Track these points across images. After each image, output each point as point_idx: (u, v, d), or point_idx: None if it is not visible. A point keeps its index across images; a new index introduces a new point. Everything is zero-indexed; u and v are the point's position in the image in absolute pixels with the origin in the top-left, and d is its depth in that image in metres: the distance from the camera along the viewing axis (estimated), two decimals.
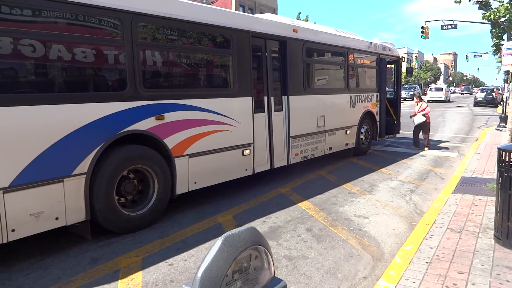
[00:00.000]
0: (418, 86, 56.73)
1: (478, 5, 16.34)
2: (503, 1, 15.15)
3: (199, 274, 0.82)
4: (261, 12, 31.31)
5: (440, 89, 42.70)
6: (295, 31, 7.48)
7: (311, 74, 8.33)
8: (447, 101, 41.93)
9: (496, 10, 15.42)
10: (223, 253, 0.84)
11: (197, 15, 5.64)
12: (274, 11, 37.12)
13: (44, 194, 4.04)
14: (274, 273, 1.01)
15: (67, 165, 4.22)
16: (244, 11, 32.23)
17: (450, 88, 56.35)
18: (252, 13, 28.92)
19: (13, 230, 3.82)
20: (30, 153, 3.93)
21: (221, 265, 0.82)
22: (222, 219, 5.40)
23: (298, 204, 6.02)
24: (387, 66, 11.33)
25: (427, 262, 3.79)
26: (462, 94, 70.34)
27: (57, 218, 4.17)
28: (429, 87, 47.74)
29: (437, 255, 3.94)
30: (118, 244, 4.55)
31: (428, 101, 40.08)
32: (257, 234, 0.97)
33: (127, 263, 4.07)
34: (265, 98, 6.89)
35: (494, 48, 18.84)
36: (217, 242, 0.88)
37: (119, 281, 3.70)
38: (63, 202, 4.19)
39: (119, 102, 4.68)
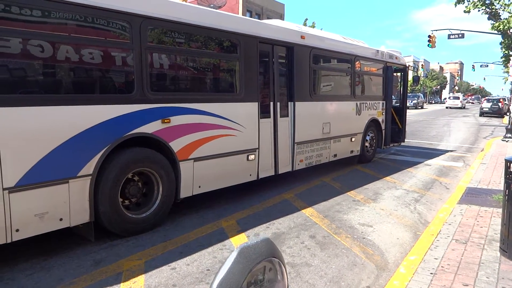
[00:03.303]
0: (422, 95, 57.50)
1: (487, 16, 16.32)
2: None
3: (214, 286, 0.81)
4: (268, 18, 31.43)
5: (457, 98, 51.07)
6: (302, 37, 7.48)
7: (318, 80, 8.33)
8: (463, 108, 49.22)
9: (505, 21, 15.40)
10: (239, 265, 0.83)
11: (206, 19, 5.65)
12: (281, 17, 37.25)
13: (49, 194, 4.04)
14: (288, 285, 1.00)
15: (73, 167, 4.23)
16: (251, 17, 32.36)
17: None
18: (259, 19, 29.01)
19: (17, 230, 3.83)
20: (37, 153, 3.93)
21: (237, 277, 0.81)
22: (226, 223, 5.39)
23: (302, 210, 6.00)
24: (394, 74, 11.32)
25: (431, 273, 3.75)
26: (472, 103, 73.84)
27: (61, 219, 4.17)
28: (448, 96, 58.49)
29: (442, 266, 3.90)
30: (121, 247, 4.55)
31: (447, 107, 48.07)
32: (271, 246, 0.96)
33: (129, 266, 4.06)
34: (271, 103, 6.89)
35: (504, 59, 18.82)
36: (233, 254, 0.88)
37: (122, 284, 3.69)
38: (67, 203, 4.19)
39: (126, 104, 4.69)
